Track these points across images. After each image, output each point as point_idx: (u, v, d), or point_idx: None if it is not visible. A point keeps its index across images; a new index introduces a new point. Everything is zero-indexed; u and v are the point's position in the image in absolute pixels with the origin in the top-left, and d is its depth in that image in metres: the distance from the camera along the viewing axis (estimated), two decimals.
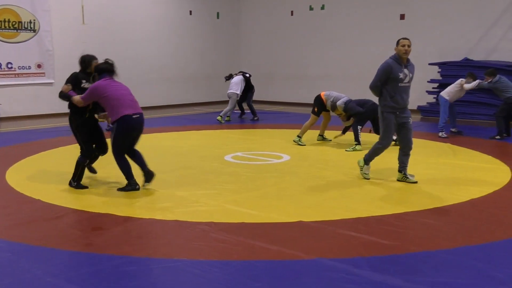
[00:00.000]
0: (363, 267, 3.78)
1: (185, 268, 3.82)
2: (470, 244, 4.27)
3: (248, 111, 13.40)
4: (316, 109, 9.32)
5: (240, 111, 13.69)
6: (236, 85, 12.83)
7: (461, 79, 10.22)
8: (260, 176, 6.79)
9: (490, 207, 5.35)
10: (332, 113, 9.46)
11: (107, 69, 6.13)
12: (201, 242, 4.35)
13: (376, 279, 3.59)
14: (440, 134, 9.90)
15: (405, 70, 6.16)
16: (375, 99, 9.30)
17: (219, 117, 12.53)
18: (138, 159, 6.09)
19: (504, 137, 9.76)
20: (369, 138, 9.34)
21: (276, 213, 5.14)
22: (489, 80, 9.94)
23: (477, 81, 10.05)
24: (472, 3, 13.52)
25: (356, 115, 8.84)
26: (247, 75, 13.15)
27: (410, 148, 6.40)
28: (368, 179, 6.53)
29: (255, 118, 13.08)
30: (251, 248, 4.20)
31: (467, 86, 10.01)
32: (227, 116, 12.84)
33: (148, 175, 6.08)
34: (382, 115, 6.34)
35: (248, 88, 13.26)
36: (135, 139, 6.03)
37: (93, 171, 6.75)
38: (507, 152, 8.46)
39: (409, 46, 6.07)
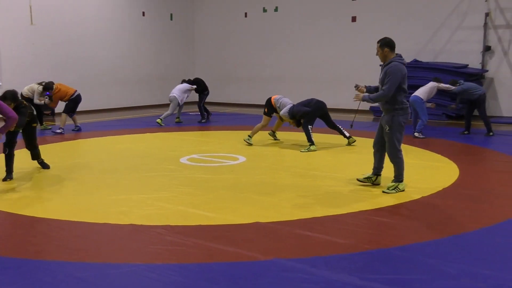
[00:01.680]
0: (320, 267, 3.83)
1: (142, 272, 3.77)
2: (422, 241, 4.39)
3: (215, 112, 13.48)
4: (266, 110, 9.53)
5: (206, 113, 13.63)
6: (179, 91, 12.72)
7: (434, 83, 10.54)
8: (216, 178, 6.77)
9: (440, 205, 5.52)
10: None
11: None
12: (158, 246, 4.30)
13: (333, 278, 3.64)
14: (416, 134, 10.12)
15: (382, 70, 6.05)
16: (318, 98, 9.49)
17: (158, 120, 12.40)
18: None
19: (465, 134, 10.47)
20: (324, 139, 9.48)
21: (233, 215, 5.14)
22: (457, 85, 10.40)
23: (447, 85, 10.53)
24: (420, 6, 13.93)
25: (304, 116, 8.94)
26: (194, 86, 13.13)
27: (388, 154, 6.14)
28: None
29: (203, 121, 13.10)
30: (208, 250, 4.19)
31: (444, 86, 10.42)
32: (177, 117, 12.80)
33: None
34: (401, 123, 5.87)
35: (201, 90, 13.26)
36: None
37: (46, 166, 7.30)
38: (456, 151, 8.74)
39: (378, 51, 6.02)
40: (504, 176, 6.82)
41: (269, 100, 9.59)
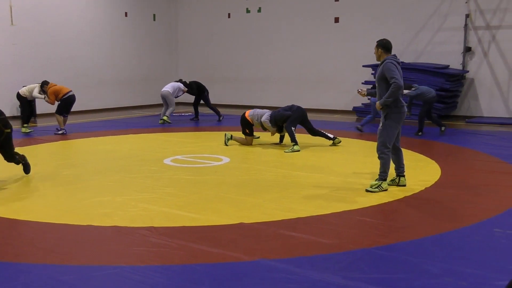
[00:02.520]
0: (304, 267, 3.84)
1: (125, 274, 3.75)
2: (405, 240, 4.43)
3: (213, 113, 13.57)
4: (247, 131, 9.41)
5: (195, 114, 13.61)
6: (171, 87, 12.91)
7: None
8: (200, 179, 6.76)
9: (422, 204, 5.57)
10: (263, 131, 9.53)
11: None
12: (141, 248, 4.28)
13: (317, 277, 3.66)
14: (359, 127, 10.77)
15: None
16: (298, 103, 9.55)
17: (165, 117, 12.63)
18: None
19: (420, 134, 10.57)
20: (307, 140, 9.51)
21: (217, 216, 5.14)
22: (413, 89, 10.51)
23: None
24: (402, 8, 14.05)
25: (286, 120, 8.96)
26: (186, 89, 13.24)
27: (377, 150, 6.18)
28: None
29: (220, 118, 13.29)
30: (192, 251, 4.18)
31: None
32: (161, 119, 12.76)
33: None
34: (395, 122, 5.99)
35: (199, 93, 13.36)
36: None
37: (27, 170, 7.05)
38: (437, 151, 8.83)
39: (375, 50, 6.18)
40: (485, 175, 6.90)
41: (243, 118, 9.41)
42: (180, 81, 13.46)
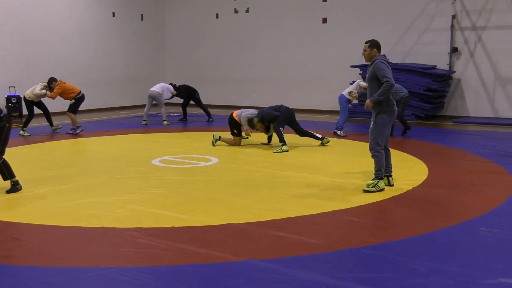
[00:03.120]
0: (293, 267, 3.85)
1: (114, 275, 3.73)
2: (392, 240, 4.45)
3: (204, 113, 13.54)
4: (235, 131, 9.42)
5: (183, 115, 13.56)
6: (160, 87, 12.87)
7: (358, 80, 10.75)
8: (189, 180, 6.74)
9: (410, 203, 5.61)
10: (252, 131, 9.51)
11: None
12: (130, 249, 4.26)
13: (305, 277, 3.67)
14: (338, 132, 10.43)
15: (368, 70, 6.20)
16: (287, 104, 9.56)
17: (165, 122, 12.68)
18: None
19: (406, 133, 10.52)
20: (295, 140, 9.53)
21: (205, 216, 5.13)
22: None
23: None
24: (389, 8, 14.13)
25: (274, 120, 8.97)
26: (175, 92, 13.20)
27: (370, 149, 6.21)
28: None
29: (210, 119, 13.28)
30: (181, 252, 4.17)
31: (363, 83, 10.48)
32: (144, 120, 12.70)
33: None
34: (387, 121, 6.04)
35: (190, 96, 13.36)
36: None
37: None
38: (424, 151, 8.88)
39: (365, 50, 6.19)
40: (472, 175, 6.96)
41: (231, 118, 9.42)
42: (171, 84, 13.40)
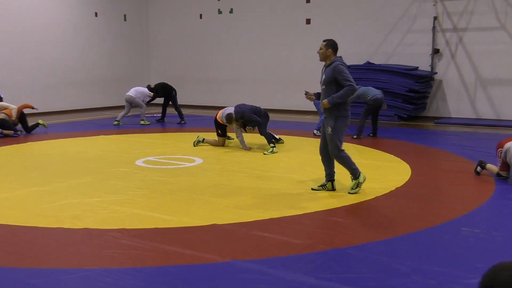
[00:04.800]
0: (276, 267, 3.86)
1: (96, 277, 3.71)
2: (376, 240, 4.49)
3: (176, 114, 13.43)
4: (219, 131, 9.44)
5: (161, 115, 13.41)
6: (135, 91, 12.82)
7: None
8: (173, 180, 6.72)
9: (393, 204, 5.66)
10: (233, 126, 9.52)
11: None
12: (113, 250, 4.24)
13: (289, 278, 3.68)
14: (315, 132, 10.60)
15: (324, 71, 6.04)
16: (270, 104, 9.57)
17: (142, 121, 12.67)
18: None
19: (367, 136, 10.35)
20: (285, 141, 9.54)
21: (189, 217, 5.12)
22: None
23: None
24: (372, 9, 14.23)
25: (254, 124, 8.96)
26: (151, 94, 13.09)
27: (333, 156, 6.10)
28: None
29: (182, 122, 13.05)
30: (164, 253, 4.15)
31: None
32: (116, 120, 12.64)
33: None
34: (343, 126, 5.91)
35: (167, 93, 13.20)
36: None
37: None
38: (407, 151, 8.96)
39: (320, 48, 6.12)
40: (453, 176, 7.04)
41: (216, 121, 9.45)
42: (148, 86, 13.27)
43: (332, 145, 5.90)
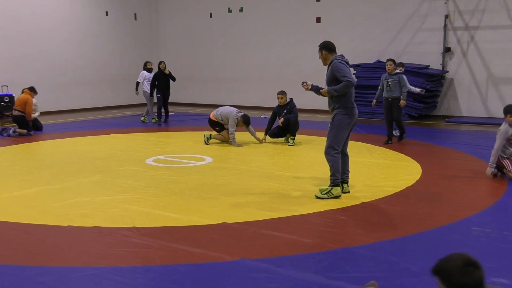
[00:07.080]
0: (286, 266, 3.85)
1: (106, 275, 3.72)
2: (385, 239, 4.46)
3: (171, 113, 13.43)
4: (217, 128, 9.72)
5: (164, 116, 13.24)
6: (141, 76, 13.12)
7: None
8: (182, 179, 6.73)
9: (403, 203, 5.62)
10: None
11: None
12: (123, 248, 4.25)
13: (298, 277, 3.67)
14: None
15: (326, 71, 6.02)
16: (272, 104, 9.71)
17: (142, 118, 12.91)
18: None
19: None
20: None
21: (199, 216, 5.13)
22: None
23: None
24: (382, 8, 14.16)
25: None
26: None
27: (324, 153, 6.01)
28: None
29: (160, 123, 12.68)
30: (174, 252, 4.16)
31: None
32: (143, 116, 12.88)
33: None
34: (344, 123, 5.79)
35: (167, 88, 12.89)
36: None
37: None
38: (418, 150, 8.91)
39: (319, 55, 6.08)
40: (464, 175, 6.99)
41: (209, 119, 9.78)
42: (145, 64, 13.30)
43: (327, 142, 5.83)
